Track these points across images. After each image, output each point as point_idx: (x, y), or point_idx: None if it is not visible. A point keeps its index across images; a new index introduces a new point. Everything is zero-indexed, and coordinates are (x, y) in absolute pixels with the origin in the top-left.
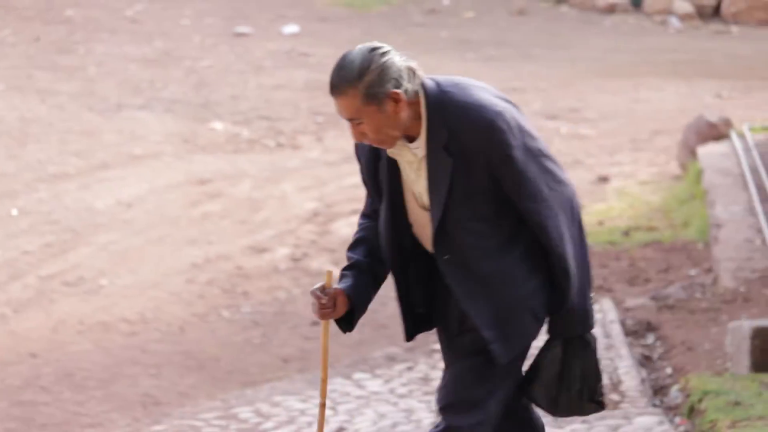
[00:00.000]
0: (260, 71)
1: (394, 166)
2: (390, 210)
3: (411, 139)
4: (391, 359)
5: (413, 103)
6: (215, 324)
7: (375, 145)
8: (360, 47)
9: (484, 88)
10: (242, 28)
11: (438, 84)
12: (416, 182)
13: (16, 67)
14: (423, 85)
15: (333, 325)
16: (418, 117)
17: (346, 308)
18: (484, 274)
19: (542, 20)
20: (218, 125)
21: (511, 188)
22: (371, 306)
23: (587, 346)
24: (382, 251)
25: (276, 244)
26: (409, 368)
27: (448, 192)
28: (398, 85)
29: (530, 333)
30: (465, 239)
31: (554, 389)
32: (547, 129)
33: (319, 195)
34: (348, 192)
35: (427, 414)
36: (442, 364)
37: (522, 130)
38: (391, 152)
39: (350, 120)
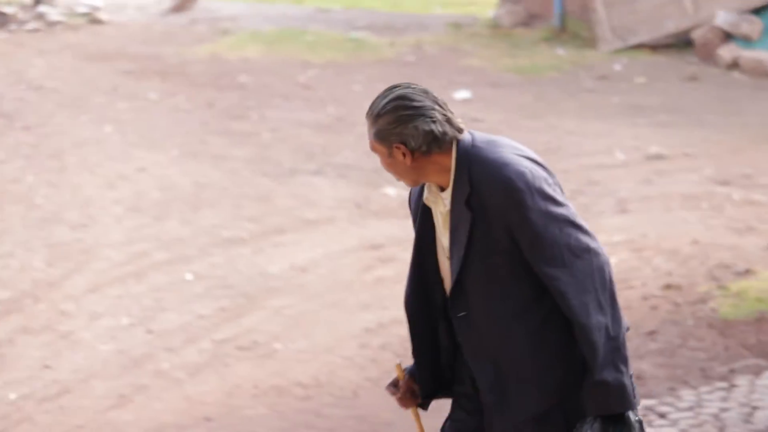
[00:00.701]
0: None
1: (428, 215)
2: (418, 260)
3: (443, 189)
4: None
5: (442, 158)
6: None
7: (408, 185)
8: (400, 89)
9: (518, 148)
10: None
11: (473, 139)
12: (444, 235)
13: (190, 133)
14: (457, 139)
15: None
16: (449, 170)
17: (423, 391)
18: (494, 338)
19: (714, 86)
20: (390, 191)
21: (530, 251)
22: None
23: (626, 426)
24: (405, 299)
25: None
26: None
27: (467, 246)
28: (405, 143)
29: (534, 404)
30: (481, 298)
31: None
32: (719, 195)
33: None
34: None
35: None
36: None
37: (544, 194)
38: (426, 199)
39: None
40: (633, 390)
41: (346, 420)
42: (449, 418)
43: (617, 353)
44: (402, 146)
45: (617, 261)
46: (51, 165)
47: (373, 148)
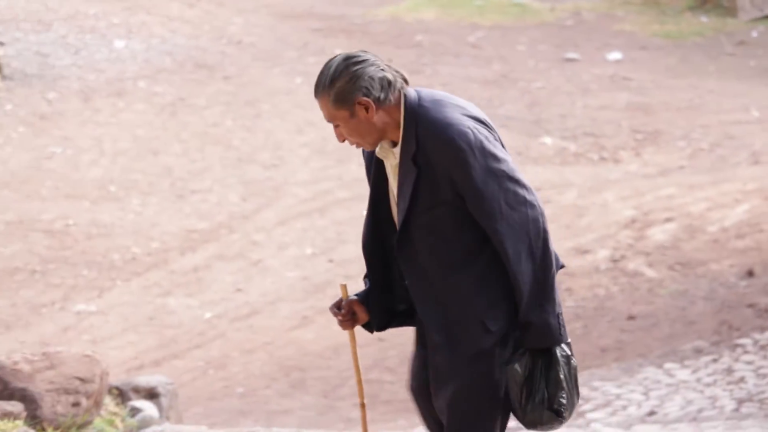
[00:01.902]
0: (586, 93)
1: (381, 167)
2: (373, 207)
3: (395, 144)
4: (698, 351)
5: (393, 111)
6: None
7: (357, 147)
8: (339, 56)
9: (460, 106)
10: (571, 55)
11: (419, 98)
12: (394, 185)
13: None
14: (405, 96)
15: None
16: (399, 125)
17: (366, 315)
18: (438, 282)
19: None
20: (548, 140)
21: (473, 206)
22: (679, 303)
23: (552, 358)
24: (362, 243)
25: (597, 247)
26: (714, 360)
27: (412, 198)
28: (367, 94)
29: (478, 342)
30: (425, 245)
31: (522, 397)
32: None
33: (636, 204)
34: (663, 202)
35: (730, 401)
36: (745, 357)
37: (484, 151)
38: (378, 153)
39: (329, 122)
40: (560, 328)
41: None
42: (414, 354)
43: (543, 295)
44: (364, 99)
45: (750, 207)
46: (247, 111)
47: (333, 118)
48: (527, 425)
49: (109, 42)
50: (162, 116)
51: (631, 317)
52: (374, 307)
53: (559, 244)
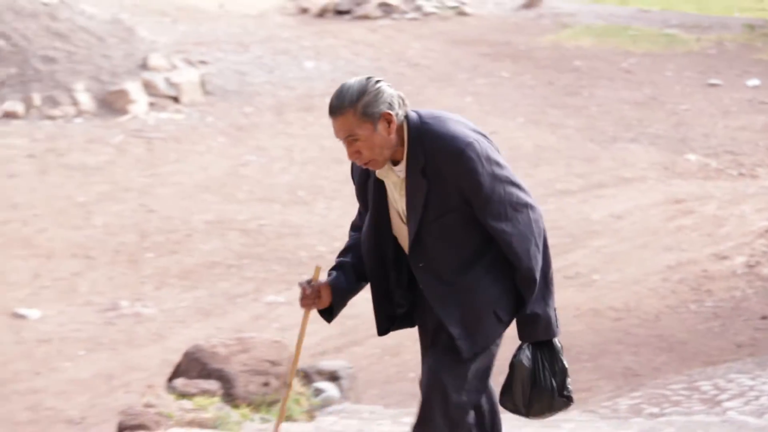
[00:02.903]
0: (727, 115)
1: (381, 187)
2: (374, 223)
3: (395, 163)
4: None
5: (399, 130)
6: (684, 315)
7: (366, 166)
8: (356, 78)
9: (460, 121)
10: (714, 80)
11: (420, 116)
12: (399, 201)
13: (533, 105)
14: (407, 116)
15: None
16: (402, 143)
17: (330, 301)
18: (452, 281)
19: None
20: (692, 157)
21: (481, 210)
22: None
23: (553, 349)
24: (364, 256)
25: (735, 253)
26: None
27: (423, 209)
28: (391, 108)
29: (493, 332)
30: (437, 251)
31: (528, 388)
32: None
33: None
34: None
35: None
36: None
37: (490, 160)
38: (379, 173)
39: (346, 139)
40: (556, 321)
41: (648, 338)
42: (423, 354)
43: (547, 290)
44: (389, 113)
45: None
46: None
47: (354, 133)
48: (534, 415)
49: (300, 63)
50: None
51: (764, 317)
52: (378, 314)
53: (700, 251)
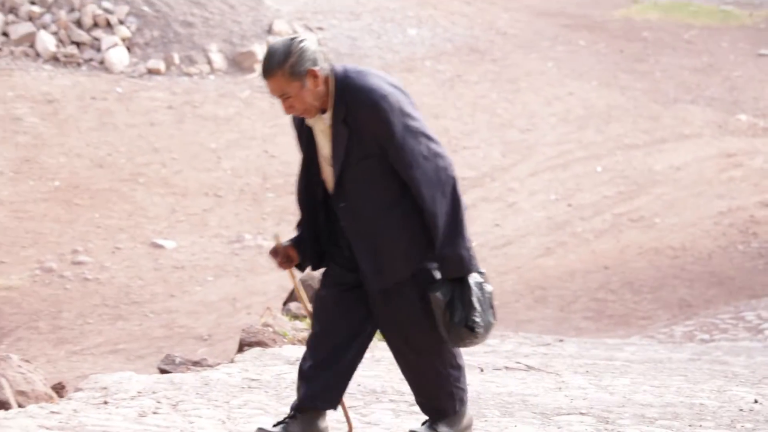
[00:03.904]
0: None
1: (311, 133)
2: (305, 166)
3: (324, 111)
4: None
5: (326, 82)
6: (732, 254)
7: (301, 116)
8: (281, 39)
9: (380, 76)
10: (764, 51)
11: (345, 70)
12: (325, 146)
13: (606, 70)
14: (333, 70)
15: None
16: (329, 93)
17: (298, 257)
18: (369, 221)
19: None
20: (742, 117)
21: (394, 157)
22: None
23: (464, 285)
24: (297, 197)
25: None
26: None
27: (345, 154)
28: (315, 64)
29: (401, 270)
30: (357, 193)
31: (445, 318)
32: None
33: None
34: None
35: None
36: None
37: (403, 112)
38: (309, 121)
39: (280, 97)
40: (470, 259)
41: (701, 274)
42: (326, 273)
43: (455, 231)
44: (314, 69)
45: None
46: (508, 87)
47: (283, 91)
48: (452, 343)
49: (404, 30)
50: (443, 89)
51: None
52: (310, 252)
53: (748, 198)
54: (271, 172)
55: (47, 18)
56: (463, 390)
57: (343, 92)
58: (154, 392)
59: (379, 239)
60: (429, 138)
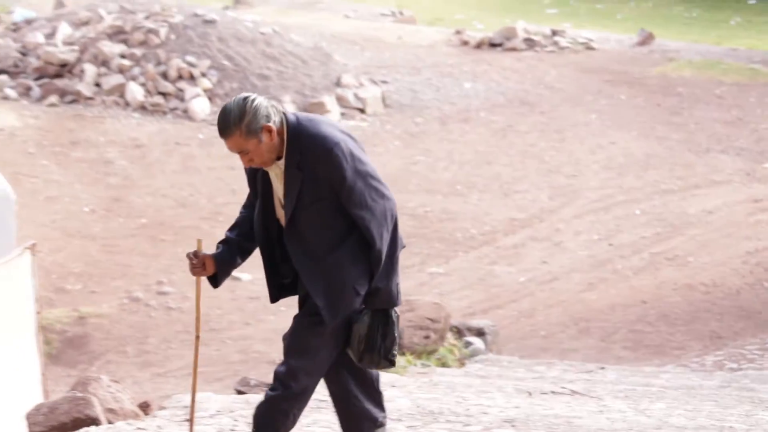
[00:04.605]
0: None
1: (267, 177)
2: (262, 208)
3: (279, 158)
4: None
5: (280, 131)
6: (759, 290)
7: (259, 167)
8: (234, 99)
9: (331, 124)
10: None
11: (297, 119)
12: (279, 189)
13: (644, 121)
14: (286, 118)
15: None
16: (283, 142)
17: (214, 270)
18: (320, 259)
19: None
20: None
21: (345, 200)
22: None
23: (388, 318)
24: (255, 236)
25: None
26: None
27: (298, 197)
28: (268, 120)
29: (352, 304)
30: (308, 233)
31: (362, 346)
32: None
33: None
34: None
35: None
36: None
37: (354, 157)
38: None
39: (239, 153)
40: (397, 294)
41: (730, 308)
42: (296, 316)
43: (391, 268)
44: (269, 125)
45: None
46: (555, 136)
47: (241, 148)
48: (365, 365)
49: (461, 84)
50: (495, 137)
51: None
52: (269, 283)
53: None
54: None
55: (136, 71)
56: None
57: (297, 140)
58: (231, 411)
59: (328, 276)
60: (377, 180)
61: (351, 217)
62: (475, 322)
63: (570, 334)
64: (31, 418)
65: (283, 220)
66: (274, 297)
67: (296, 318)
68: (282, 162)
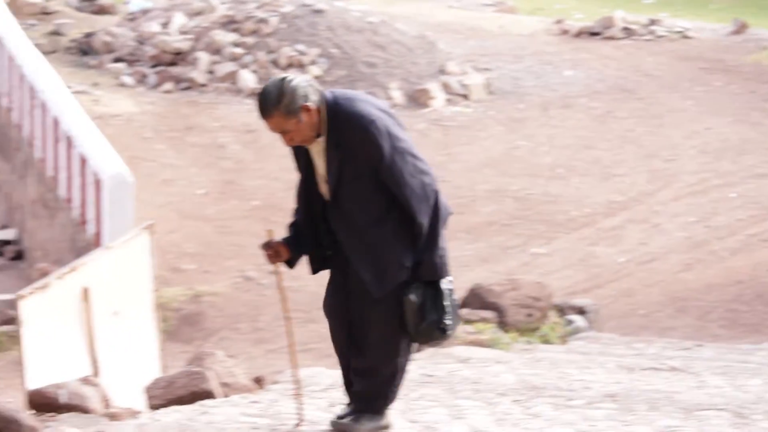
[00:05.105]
0: None
1: (308, 154)
2: (304, 184)
3: (319, 135)
4: None
5: (320, 110)
6: None
7: (300, 145)
8: (272, 80)
9: (369, 101)
10: None
11: (335, 97)
12: (321, 166)
13: (739, 108)
14: (323, 97)
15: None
16: (322, 120)
17: (288, 254)
18: (364, 234)
19: None
20: None
21: (384, 176)
22: None
23: (437, 289)
24: (299, 213)
25: None
26: None
27: (339, 174)
28: (306, 99)
29: (397, 276)
30: (351, 208)
31: (416, 318)
32: None
33: None
34: None
35: None
36: None
37: (390, 134)
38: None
39: (280, 133)
40: (443, 266)
41: None
42: (330, 281)
43: (433, 241)
44: (308, 104)
45: None
46: (653, 122)
47: (282, 128)
48: (419, 342)
49: (561, 71)
50: (595, 123)
51: None
52: (311, 257)
53: None
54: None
55: (248, 59)
56: (396, 394)
57: (335, 118)
58: (342, 385)
59: (374, 250)
60: (415, 157)
61: (392, 192)
62: (577, 300)
63: (668, 313)
64: (150, 391)
65: (327, 196)
66: (315, 269)
67: (353, 307)
68: (322, 139)
